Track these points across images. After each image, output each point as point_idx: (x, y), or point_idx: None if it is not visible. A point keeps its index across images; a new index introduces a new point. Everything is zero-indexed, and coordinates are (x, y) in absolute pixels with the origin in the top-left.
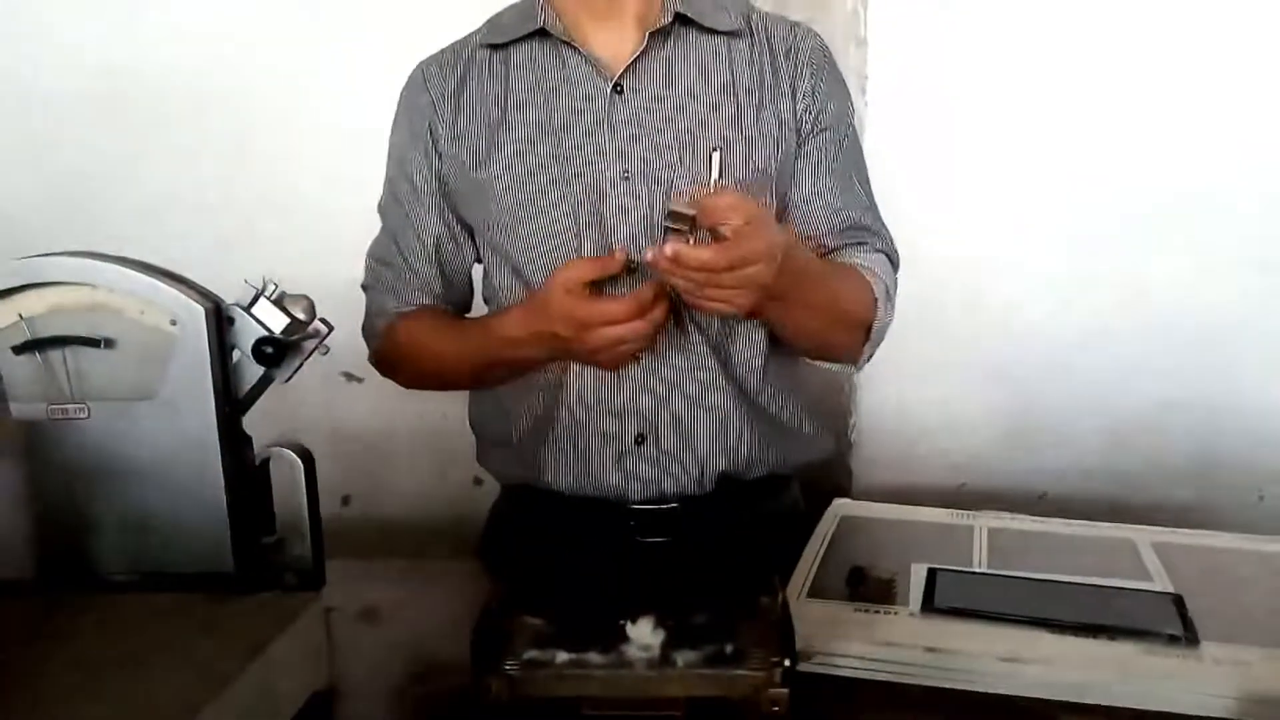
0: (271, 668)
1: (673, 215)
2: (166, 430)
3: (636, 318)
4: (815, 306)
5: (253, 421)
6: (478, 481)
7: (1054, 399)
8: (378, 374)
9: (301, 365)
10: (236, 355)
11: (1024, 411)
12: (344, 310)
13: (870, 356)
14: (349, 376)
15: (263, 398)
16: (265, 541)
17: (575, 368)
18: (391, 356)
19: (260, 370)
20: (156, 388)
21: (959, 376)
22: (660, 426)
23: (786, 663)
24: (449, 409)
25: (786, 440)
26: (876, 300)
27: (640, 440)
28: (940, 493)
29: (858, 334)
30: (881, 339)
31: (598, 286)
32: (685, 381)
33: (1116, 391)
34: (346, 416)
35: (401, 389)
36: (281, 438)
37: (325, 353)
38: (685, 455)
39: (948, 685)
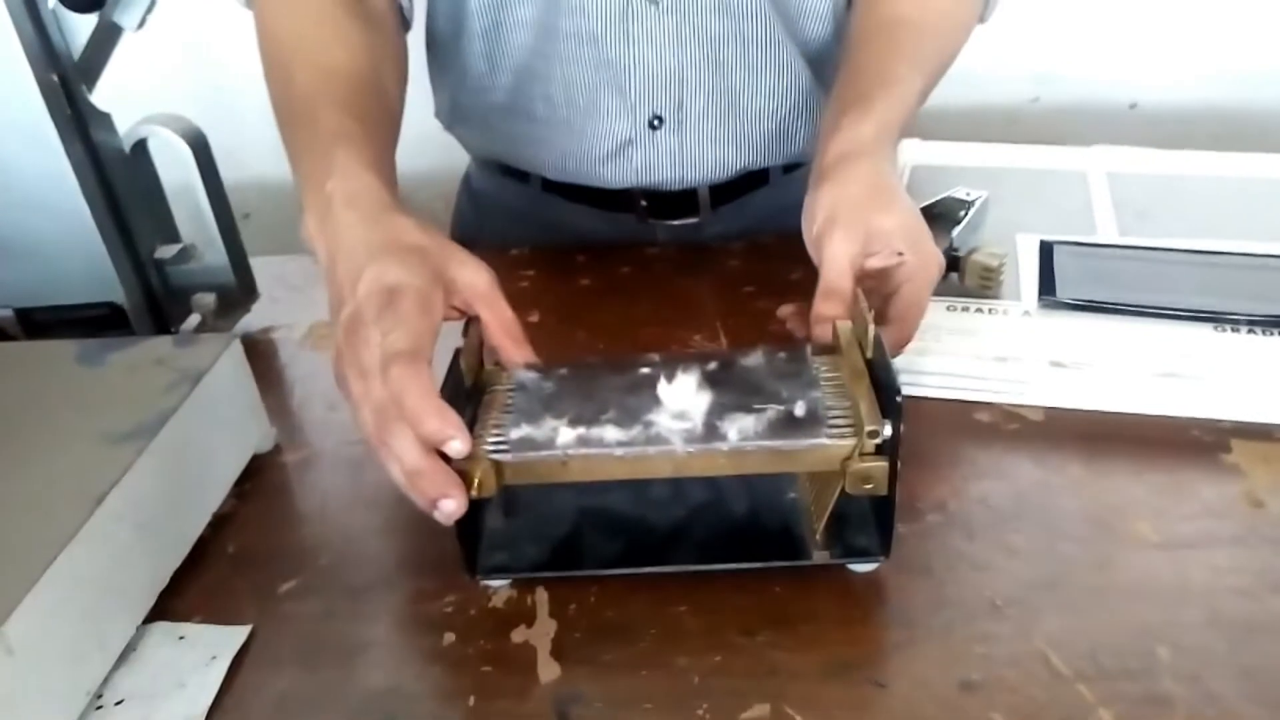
0: (188, 431)
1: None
2: None
3: (435, 468)
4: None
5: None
6: None
7: None
8: None
9: (151, 8)
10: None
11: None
12: None
13: None
14: None
15: (178, 72)
16: (162, 256)
17: (567, 22)
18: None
19: (93, 19)
20: None
21: None
22: (686, 104)
23: (887, 429)
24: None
25: None
26: None
27: (656, 123)
28: (1009, 111)
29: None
30: None
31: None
32: (725, 39)
33: None
34: None
35: None
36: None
37: None
38: (721, 141)
39: (1078, 407)
